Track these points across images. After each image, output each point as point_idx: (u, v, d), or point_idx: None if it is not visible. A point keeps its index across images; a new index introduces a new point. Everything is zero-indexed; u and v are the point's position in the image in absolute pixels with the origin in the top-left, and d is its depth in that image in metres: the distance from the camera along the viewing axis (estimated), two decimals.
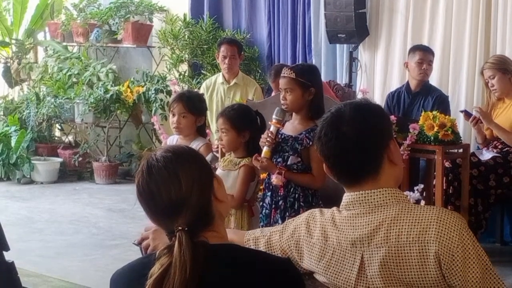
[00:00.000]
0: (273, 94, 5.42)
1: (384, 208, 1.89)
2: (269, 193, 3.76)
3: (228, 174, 3.70)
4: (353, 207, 1.93)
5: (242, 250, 1.81)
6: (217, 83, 6.32)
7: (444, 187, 4.99)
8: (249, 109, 3.87)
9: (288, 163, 3.66)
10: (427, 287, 1.82)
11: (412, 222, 1.84)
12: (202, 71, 7.77)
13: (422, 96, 5.63)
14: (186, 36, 7.92)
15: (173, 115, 4.07)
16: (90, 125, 8.13)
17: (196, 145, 3.96)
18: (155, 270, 1.62)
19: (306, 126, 3.67)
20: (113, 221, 6.34)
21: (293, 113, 3.73)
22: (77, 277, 4.79)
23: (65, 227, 6.14)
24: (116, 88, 7.73)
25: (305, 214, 2.07)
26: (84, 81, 7.94)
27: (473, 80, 6.11)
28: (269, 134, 3.65)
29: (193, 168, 1.72)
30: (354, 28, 6.54)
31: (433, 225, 1.82)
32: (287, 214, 3.63)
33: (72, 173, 8.23)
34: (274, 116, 3.68)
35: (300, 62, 6.99)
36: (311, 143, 3.54)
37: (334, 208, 1.99)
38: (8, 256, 2.70)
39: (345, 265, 1.92)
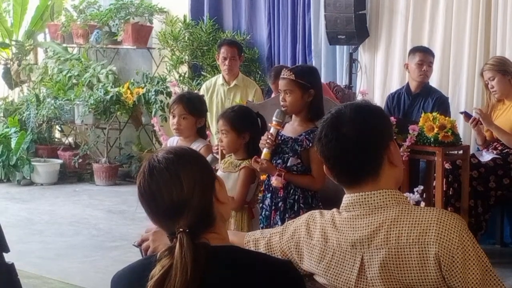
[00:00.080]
0: (273, 95, 5.42)
1: (384, 210, 1.89)
2: (269, 195, 3.76)
3: (229, 176, 3.70)
4: (353, 208, 1.93)
5: (243, 251, 1.81)
6: (217, 84, 6.32)
7: (444, 189, 4.99)
8: (250, 110, 3.87)
9: (288, 164, 3.66)
10: None
11: (412, 224, 1.84)
12: (202, 73, 7.77)
13: (422, 97, 5.63)
14: (186, 38, 7.92)
15: (173, 116, 4.08)
16: (90, 127, 8.13)
17: (196, 146, 3.96)
18: (156, 271, 1.62)
19: (306, 128, 3.67)
20: (113, 222, 6.34)
21: (293, 115, 3.73)
22: (77, 278, 4.79)
23: (65, 228, 6.13)
24: (116, 89, 7.73)
25: (305, 215, 2.07)
26: (84, 83, 7.94)
27: (473, 81, 6.11)
28: (269, 136, 3.65)
29: (195, 170, 1.72)
30: (354, 30, 6.54)
31: (433, 226, 1.82)
32: (287, 215, 3.63)
33: (72, 175, 8.23)
34: (274, 118, 3.68)
35: (300, 63, 6.99)
36: (310, 144, 3.54)
37: (334, 210, 1.99)
38: (8, 257, 2.70)
39: (345, 266, 1.92)
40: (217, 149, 4.12)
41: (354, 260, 1.90)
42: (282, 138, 3.69)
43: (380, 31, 6.73)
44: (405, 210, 1.88)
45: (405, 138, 4.88)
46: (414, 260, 1.82)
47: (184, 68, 8.02)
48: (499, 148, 5.28)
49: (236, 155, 3.77)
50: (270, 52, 7.63)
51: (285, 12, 7.42)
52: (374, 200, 1.91)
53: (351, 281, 1.90)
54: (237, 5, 7.95)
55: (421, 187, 4.69)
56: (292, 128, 3.72)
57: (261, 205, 3.83)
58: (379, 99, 6.43)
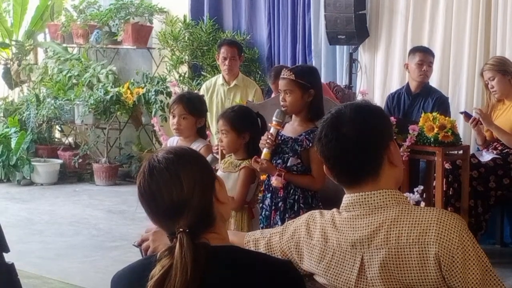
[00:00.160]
0: (273, 95, 5.42)
1: (384, 210, 1.89)
2: (269, 195, 3.76)
3: (229, 176, 3.70)
4: (353, 208, 1.93)
5: (243, 251, 1.81)
6: (217, 84, 6.32)
7: (444, 189, 4.99)
8: (250, 110, 3.87)
9: (288, 164, 3.66)
10: None
11: (412, 224, 1.84)
12: (202, 73, 7.77)
13: (422, 97, 5.63)
14: (186, 38, 7.92)
15: (173, 116, 4.08)
16: (90, 127, 8.13)
17: (196, 146, 3.96)
18: (156, 271, 1.62)
19: (306, 128, 3.67)
20: (113, 222, 6.34)
21: (293, 115, 3.73)
22: (77, 278, 4.79)
23: (65, 228, 6.13)
24: (116, 89, 7.73)
25: (305, 215, 2.07)
26: (84, 83, 7.94)
27: (473, 81, 6.11)
28: (269, 136, 3.65)
29: (195, 170, 1.72)
30: (354, 30, 6.54)
31: (433, 226, 1.82)
32: (287, 215, 3.63)
33: (72, 175, 8.23)
34: (274, 118, 3.68)
35: (300, 63, 6.99)
36: (310, 144, 3.54)
37: (334, 210, 1.99)
38: (8, 257, 2.70)
39: (345, 266, 1.92)
40: (217, 149, 4.12)
41: (354, 260, 1.90)
42: (282, 138, 3.69)
43: (380, 31, 6.73)
44: (405, 210, 1.88)
45: (405, 138, 4.88)
46: (414, 260, 1.82)
47: (184, 68, 8.02)
48: (499, 148, 5.28)
49: (236, 155, 3.77)
50: (270, 52, 7.63)
51: (285, 12, 7.42)
52: (374, 200, 1.91)
53: (351, 281, 1.90)
54: (237, 5, 7.95)
55: (421, 187, 4.69)
56: (292, 128, 3.72)
57: (261, 205, 3.83)
58: (379, 99, 6.43)
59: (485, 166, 5.14)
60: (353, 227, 1.91)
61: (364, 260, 1.88)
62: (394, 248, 1.84)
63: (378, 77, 6.77)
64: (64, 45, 8.72)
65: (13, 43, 8.91)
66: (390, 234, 1.85)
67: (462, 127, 5.77)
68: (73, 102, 7.96)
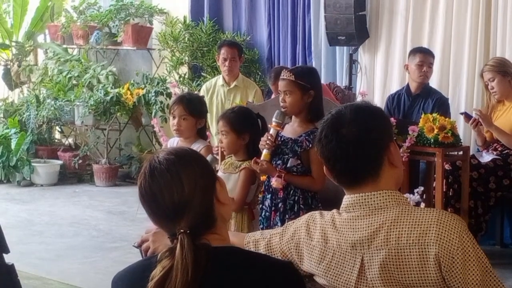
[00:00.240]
0: (273, 96, 5.42)
1: (384, 210, 1.89)
2: (268, 196, 3.76)
3: (229, 177, 3.70)
4: (353, 209, 1.93)
5: (243, 252, 1.81)
6: (217, 85, 6.32)
7: (444, 190, 4.99)
8: (250, 111, 3.87)
9: (288, 165, 3.66)
10: None
11: (412, 224, 1.84)
12: (202, 74, 7.77)
13: (422, 98, 5.63)
14: (186, 39, 7.92)
15: (174, 117, 4.08)
16: (90, 128, 8.13)
17: (197, 147, 3.95)
18: (157, 272, 1.62)
19: (306, 129, 3.67)
20: (113, 223, 6.34)
21: (293, 116, 3.73)
22: (77, 279, 4.79)
23: (65, 229, 6.13)
24: (116, 90, 7.73)
25: (305, 216, 2.07)
26: (84, 84, 7.94)
27: (473, 82, 6.11)
28: (269, 137, 3.65)
29: (196, 171, 1.72)
30: (354, 30, 6.54)
31: (433, 227, 1.82)
32: (287, 216, 3.63)
33: (72, 176, 8.23)
34: (273, 119, 3.68)
35: (300, 64, 7.00)
36: (310, 145, 3.54)
37: (334, 211, 2.00)
38: (8, 258, 2.70)
39: (345, 267, 1.92)
40: (218, 150, 4.12)
41: (354, 261, 1.90)
42: (282, 139, 3.69)
43: (380, 32, 6.73)
44: (405, 211, 1.88)
45: (405, 139, 4.88)
46: (414, 261, 1.82)
47: (184, 69, 8.02)
48: (499, 149, 5.28)
49: (236, 156, 3.77)
50: (270, 53, 7.63)
51: (285, 13, 7.42)
52: (374, 201, 1.91)
53: (351, 281, 1.90)
54: (237, 6, 7.95)
55: (421, 188, 4.69)
56: (292, 129, 3.72)
57: (261, 206, 3.83)
58: (379, 100, 6.43)
59: (485, 167, 5.14)
60: (353, 228, 1.91)
61: (364, 261, 1.89)
62: (394, 249, 1.84)
63: (378, 78, 6.77)
64: (64, 46, 8.72)
65: (13, 44, 8.92)
66: (390, 235, 1.85)
67: (462, 128, 5.77)
68: (73, 103, 7.96)
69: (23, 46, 8.87)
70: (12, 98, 9.03)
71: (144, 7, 8.27)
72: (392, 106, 5.76)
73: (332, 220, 1.97)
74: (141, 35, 8.29)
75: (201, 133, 4.20)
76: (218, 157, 4.14)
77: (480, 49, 6.06)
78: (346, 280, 1.91)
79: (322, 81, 5.33)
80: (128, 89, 7.68)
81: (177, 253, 1.62)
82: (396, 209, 1.89)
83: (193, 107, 4.08)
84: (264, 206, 3.78)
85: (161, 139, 5.37)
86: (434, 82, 6.02)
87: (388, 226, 1.86)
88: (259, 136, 3.70)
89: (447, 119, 4.98)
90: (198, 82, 7.56)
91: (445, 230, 1.81)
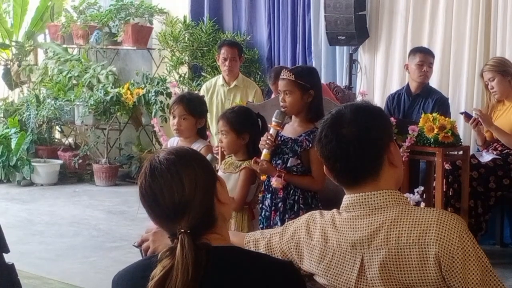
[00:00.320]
0: (273, 96, 5.42)
1: (384, 210, 1.90)
2: (268, 195, 3.76)
3: (229, 176, 3.70)
4: (353, 209, 1.93)
5: (243, 252, 1.81)
6: (217, 85, 6.33)
7: (444, 189, 4.99)
8: (250, 111, 3.87)
9: (288, 165, 3.66)
10: None
11: (412, 224, 1.84)
12: (202, 73, 7.77)
13: (422, 98, 5.63)
14: (186, 38, 7.92)
15: (174, 117, 4.08)
16: (90, 127, 8.13)
17: (197, 147, 3.95)
18: (157, 272, 1.63)
19: (306, 128, 3.67)
20: (113, 223, 6.34)
21: (293, 115, 3.73)
22: (77, 279, 4.79)
23: (65, 229, 6.14)
24: (116, 90, 7.73)
25: (305, 216, 2.07)
26: (84, 83, 7.94)
27: (473, 82, 6.11)
28: (269, 137, 3.65)
29: (196, 170, 1.73)
30: (354, 30, 6.54)
31: (433, 227, 1.82)
32: (287, 216, 3.63)
33: (72, 175, 8.24)
34: (273, 119, 3.68)
35: (300, 64, 7.00)
36: (310, 145, 3.55)
37: (334, 210, 2.00)
38: (8, 258, 2.70)
39: (345, 267, 1.92)
40: (218, 149, 4.13)
41: (354, 260, 1.90)
42: (282, 139, 3.69)
43: (380, 31, 6.73)
44: (405, 211, 1.88)
45: (405, 139, 4.88)
46: (414, 261, 1.82)
47: (184, 69, 8.02)
48: (499, 148, 5.28)
49: (236, 156, 3.77)
50: (270, 53, 7.63)
51: (285, 13, 7.42)
52: (374, 200, 1.91)
53: (351, 281, 1.90)
54: (237, 6, 7.95)
55: (421, 188, 4.69)
56: (292, 128, 3.72)
57: (261, 205, 3.83)
58: (379, 100, 6.43)
59: (485, 167, 5.14)
60: (353, 228, 1.91)
61: (364, 261, 1.89)
62: (394, 249, 1.84)
63: (378, 77, 6.77)
64: (64, 45, 8.72)
65: (13, 44, 8.92)
66: (390, 235, 1.85)
67: (462, 127, 5.77)
68: (73, 103, 7.97)
69: (23, 46, 8.87)
70: (12, 98, 9.04)
71: (144, 7, 8.27)
72: (392, 106, 5.76)
73: (332, 219, 1.97)
74: (141, 35, 8.29)
75: (201, 132, 4.20)
76: (218, 157, 4.14)
77: (480, 49, 6.06)
78: (346, 280, 1.91)
79: (322, 81, 5.33)
80: (128, 88, 7.68)
81: (177, 252, 1.62)
82: (396, 209, 1.89)
83: (193, 107, 4.08)
84: (264, 206, 3.78)
85: (161, 138, 5.37)
86: (434, 82, 6.02)
87: (388, 225, 1.87)
88: (259, 136, 3.70)
89: (447, 119, 4.98)
90: (198, 82, 7.56)
91: (445, 230, 1.81)
